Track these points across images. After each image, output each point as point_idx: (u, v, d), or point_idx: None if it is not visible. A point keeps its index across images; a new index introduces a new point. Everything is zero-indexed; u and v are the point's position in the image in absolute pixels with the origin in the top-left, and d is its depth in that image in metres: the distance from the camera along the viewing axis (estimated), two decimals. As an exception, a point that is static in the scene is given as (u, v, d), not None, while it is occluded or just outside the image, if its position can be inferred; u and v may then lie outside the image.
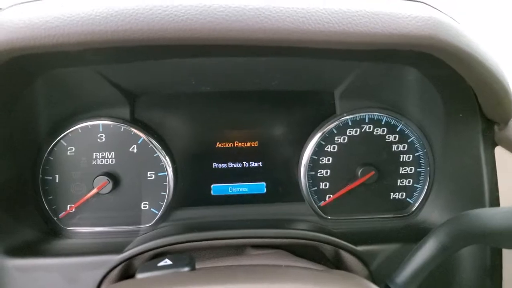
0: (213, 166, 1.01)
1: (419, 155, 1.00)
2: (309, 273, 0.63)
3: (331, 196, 1.01)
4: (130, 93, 0.95)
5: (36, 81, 0.81)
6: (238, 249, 0.86)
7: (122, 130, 0.96)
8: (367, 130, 1.00)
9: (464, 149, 0.86)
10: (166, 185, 0.97)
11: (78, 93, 0.92)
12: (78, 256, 0.83)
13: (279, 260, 0.81)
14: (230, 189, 1.01)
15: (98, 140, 0.95)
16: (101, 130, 0.95)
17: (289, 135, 1.01)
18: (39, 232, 0.91)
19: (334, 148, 1.00)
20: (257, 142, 1.01)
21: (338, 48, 0.63)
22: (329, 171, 1.01)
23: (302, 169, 1.00)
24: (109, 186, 0.94)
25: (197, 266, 0.61)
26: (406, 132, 1.00)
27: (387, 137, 1.00)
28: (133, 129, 0.95)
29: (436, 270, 0.64)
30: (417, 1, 0.67)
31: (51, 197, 0.95)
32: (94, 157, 0.95)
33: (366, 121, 0.99)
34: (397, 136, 1.00)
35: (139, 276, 0.58)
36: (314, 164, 1.00)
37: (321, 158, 1.00)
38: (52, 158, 0.94)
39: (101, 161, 0.96)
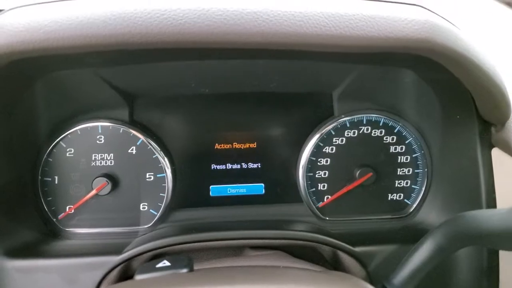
0: (212, 167, 1.01)
1: (416, 157, 1.01)
2: (307, 274, 0.63)
3: (329, 197, 1.01)
4: (129, 95, 0.96)
5: (36, 84, 0.82)
6: (237, 250, 0.86)
7: (121, 131, 0.96)
8: (365, 131, 1.00)
9: (462, 150, 0.87)
10: (165, 186, 0.98)
11: (77, 95, 0.92)
12: (77, 257, 0.83)
13: (277, 261, 0.81)
14: (229, 190, 1.01)
15: (97, 141, 0.96)
16: (100, 131, 0.96)
17: (287, 137, 1.01)
18: (38, 233, 0.91)
19: (332, 149, 1.00)
20: (255, 144, 1.01)
21: (336, 51, 0.64)
22: (327, 172, 1.01)
23: (300, 170, 1.00)
24: (108, 187, 0.94)
25: (195, 267, 0.61)
26: (403, 134, 1.00)
27: (385, 139, 1.00)
28: (132, 131, 0.96)
29: (433, 271, 0.64)
30: (414, 5, 0.67)
31: (50, 198, 0.95)
32: (93, 159, 0.96)
33: (364, 122, 1.00)
34: (395, 137, 1.00)
35: (138, 277, 0.58)
36: (312, 165, 1.00)
37: (319, 159, 1.00)
38: (51, 160, 0.95)
39: (100, 163, 0.96)
